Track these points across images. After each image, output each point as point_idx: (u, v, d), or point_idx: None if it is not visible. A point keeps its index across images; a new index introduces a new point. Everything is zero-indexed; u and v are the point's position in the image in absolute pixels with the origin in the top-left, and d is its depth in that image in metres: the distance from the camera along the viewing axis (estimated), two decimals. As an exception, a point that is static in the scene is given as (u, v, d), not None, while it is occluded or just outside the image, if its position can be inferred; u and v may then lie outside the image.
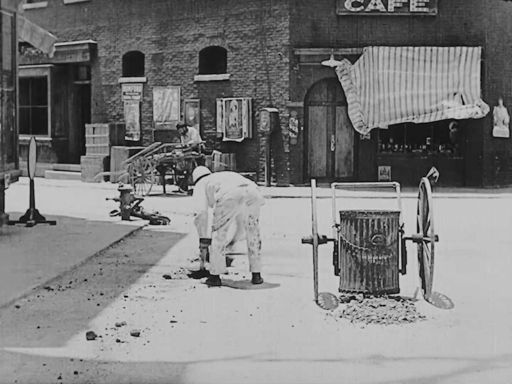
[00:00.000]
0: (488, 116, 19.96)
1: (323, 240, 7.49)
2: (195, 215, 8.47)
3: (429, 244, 7.31)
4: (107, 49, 23.78)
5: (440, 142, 20.66)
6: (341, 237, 7.41)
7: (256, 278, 8.30)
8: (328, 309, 7.08)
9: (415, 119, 19.16)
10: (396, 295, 7.36)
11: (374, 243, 7.26)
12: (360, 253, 7.29)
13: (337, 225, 7.59)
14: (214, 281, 8.22)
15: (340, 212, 7.48)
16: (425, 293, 7.47)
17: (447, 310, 7.07)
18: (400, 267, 7.48)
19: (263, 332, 6.33)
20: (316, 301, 7.27)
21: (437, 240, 7.31)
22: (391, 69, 19.45)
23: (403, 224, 7.60)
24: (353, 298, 7.26)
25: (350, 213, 7.37)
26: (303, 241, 7.47)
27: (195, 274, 8.56)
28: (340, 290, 7.51)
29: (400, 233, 7.51)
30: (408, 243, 7.69)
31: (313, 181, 7.62)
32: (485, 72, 19.95)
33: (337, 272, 7.55)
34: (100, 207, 14.45)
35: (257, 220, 8.38)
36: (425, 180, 7.66)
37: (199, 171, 8.88)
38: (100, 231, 11.82)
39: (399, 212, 7.53)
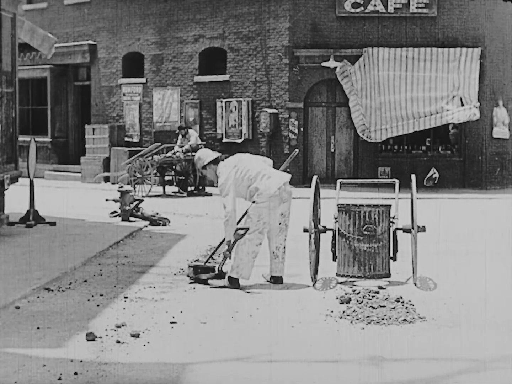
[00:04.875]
0: (488, 117, 19.97)
1: (323, 229, 8.45)
2: (225, 216, 7.91)
3: (414, 232, 8.17)
4: (107, 50, 23.79)
5: (440, 143, 20.66)
6: (338, 227, 8.28)
7: (278, 281, 8.24)
8: (323, 290, 7.89)
9: (416, 125, 19.13)
10: (386, 279, 8.17)
11: (365, 232, 8.12)
12: (353, 241, 8.18)
13: (335, 217, 8.35)
14: (234, 284, 8.02)
15: (337, 205, 8.35)
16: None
17: (446, 310, 7.07)
18: (391, 255, 8.25)
19: (263, 333, 6.33)
20: (314, 285, 8.04)
21: (424, 230, 8.16)
22: (391, 70, 19.45)
23: (394, 216, 8.28)
24: (350, 301, 7.27)
25: (345, 206, 8.27)
26: (305, 230, 8.17)
27: (212, 277, 8.25)
28: (337, 275, 8.32)
29: (391, 224, 8.23)
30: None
31: (315, 177, 8.34)
32: (485, 73, 19.95)
33: (334, 258, 8.38)
34: (100, 208, 14.45)
35: (288, 220, 8.22)
36: (412, 177, 8.44)
37: (205, 154, 8.31)
38: (100, 232, 11.81)
39: (390, 205, 8.26)
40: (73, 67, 25.09)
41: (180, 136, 19.51)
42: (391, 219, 8.23)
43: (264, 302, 7.41)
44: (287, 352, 5.80)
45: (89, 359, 5.53)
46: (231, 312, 7.01)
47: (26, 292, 7.58)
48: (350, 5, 20.09)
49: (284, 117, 20.37)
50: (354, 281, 8.26)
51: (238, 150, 20.81)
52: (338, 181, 8.96)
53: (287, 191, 8.11)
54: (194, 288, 8.04)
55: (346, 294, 7.52)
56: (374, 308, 6.93)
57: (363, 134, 19.49)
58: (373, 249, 8.13)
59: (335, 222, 8.31)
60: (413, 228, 8.20)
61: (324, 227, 8.45)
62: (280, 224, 8.16)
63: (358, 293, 7.54)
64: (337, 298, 7.42)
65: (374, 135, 19.36)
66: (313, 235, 8.11)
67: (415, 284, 8.08)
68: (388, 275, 8.20)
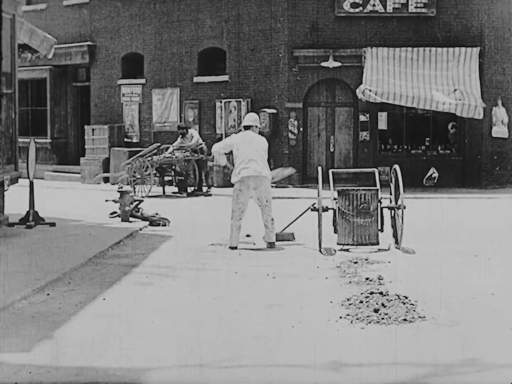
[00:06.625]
0: (487, 117, 19.98)
1: (326, 209, 10.33)
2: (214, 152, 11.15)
3: (399, 211, 10.37)
4: (106, 50, 23.79)
5: (439, 142, 20.67)
6: (338, 206, 10.29)
7: (272, 245, 10.65)
8: (328, 255, 9.92)
9: (415, 102, 18.86)
10: (376, 246, 10.29)
11: (361, 210, 10.17)
12: (352, 217, 10.20)
13: (335, 199, 10.35)
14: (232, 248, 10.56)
15: (337, 189, 10.35)
16: (396, 243, 10.46)
17: (446, 310, 7.07)
18: (379, 227, 10.33)
19: (263, 333, 6.33)
20: (320, 250, 10.10)
21: (404, 208, 10.30)
22: (391, 66, 19.45)
23: (381, 197, 10.35)
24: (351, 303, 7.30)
25: (345, 190, 10.36)
26: (312, 210, 10.38)
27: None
28: (338, 244, 10.34)
29: (379, 203, 10.31)
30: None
31: (319, 167, 10.46)
32: (484, 72, 19.97)
33: (335, 231, 10.38)
34: (100, 208, 14.45)
35: (267, 201, 10.51)
36: (396, 167, 10.55)
37: (247, 117, 11.14)
38: (99, 233, 11.82)
39: (378, 189, 10.39)
40: (73, 68, 25.10)
41: (179, 136, 19.46)
42: (379, 200, 10.29)
43: (264, 302, 7.42)
44: (287, 353, 5.80)
45: (90, 360, 5.54)
46: (230, 312, 7.02)
47: (26, 293, 7.58)
48: (349, 5, 20.09)
49: (283, 117, 20.37)
50: (348, 249, 10.30)
51: (238, 150, 20.81)
52: (330, 170, 11.05)
53: (255, 181, 10.45)
54: (193, 288, 8.04)
55: (349, 298, 7.50)
56: (374, 308, 6.92)
57: (362, 94, 18.99)
58: (367, 223, 10.18)
59: (336, 203, 10.29)
60: (399, 207, 10.39)
61: (327, 207, 10.36)
62: (260, 205, 10.59)
63: (361, 290, 7.54)
64: (341, 304, 7.43)
65: (374, 96, 18.85)
66: (320, 214, 10.15)
67: (397, 248, 10.28)
68: (378, 243, 10.29)
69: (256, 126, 11.05)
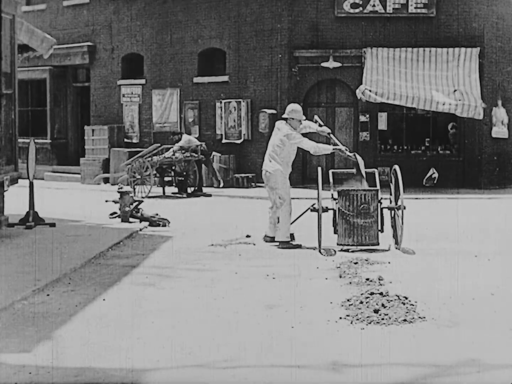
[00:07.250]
0: (487, 117, 19.99)
1: (326, 209, 10.34)
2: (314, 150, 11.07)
3: (399, 211, 10.39)
4: (106, 51, 23.79)
5: (439, 143, 20.68)
6: (338, 207, 10.32)
7: (279, 246, 10.62)
8: (328, 255, 9.92)
9: (415, 102, 18.83)
10: (376, 247, 10.30)
11: (361, 211, 10.21)
12: (352, 218, 10.24)
13: (335, 199, 10.39)
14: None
15: (338, 190, 10.40)
16: (396, 243, 10.49)
17: (446, 310, 7.07)
18: (379, 228, 10.36)
19: (262, 333, 6.33)
20: (320, 251, 10.09)
21: (404, 208, 10.34)
22: (391, 66, 19.46)
23: (381, 198, 10.41)
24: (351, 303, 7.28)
25: (345, 190, 10.37)
26: (312, 210, 10.34)
27: None
28: (338, 244, 10.36)
29: (379, 204, 10.35)
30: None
31: (319, 168, 10.47)
32: (484, 72, 19.97)
33: (335, 231, 10.40)
34: (100, 209, 14.45)
35: (279, 197, 10.52)
36: (396, 167, 10.60)
37: (286, 109, 11.04)
38: (99, 233, 11.82)
39: (378, 190, 10.44)
40: (73, 68, 25.11)
41: (175, 143, 19.40)
42: (379, 200, 10.33)
43: (263, 303, 7.42)
44: (287, 354, 5.80)
45: (89, 360, 5.54)
46: (230, 313, 7.02)
47: (26, 293, 7.58)
48: (349, 6, 20.10)
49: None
50: (348, 249, 10.30)
51: (238, 151, 20.86)
52: (330, 171, 11.14)
53: (265, 178, 10.66)
54: (193, 288, 8.04)
55: (349, 299, 7.51)
56: (374, 308, 6.92)
57: (363, 94, 18.94)
58: (367, 223, 10.21)
59: (336, 203, 10.33)
60: (399, 208, 10.40)
61: (327, 207, 10.37)
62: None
63: (361, 290, 7.55)
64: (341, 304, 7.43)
65: (374, 96, 18.80)
66: (320, 214, 10.15)
67: (397, 248, 10.32)
68: (378, 244, 10.32)
69: (293, 118, 10.89)
